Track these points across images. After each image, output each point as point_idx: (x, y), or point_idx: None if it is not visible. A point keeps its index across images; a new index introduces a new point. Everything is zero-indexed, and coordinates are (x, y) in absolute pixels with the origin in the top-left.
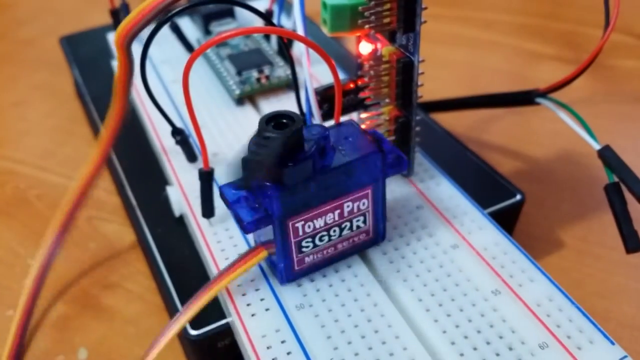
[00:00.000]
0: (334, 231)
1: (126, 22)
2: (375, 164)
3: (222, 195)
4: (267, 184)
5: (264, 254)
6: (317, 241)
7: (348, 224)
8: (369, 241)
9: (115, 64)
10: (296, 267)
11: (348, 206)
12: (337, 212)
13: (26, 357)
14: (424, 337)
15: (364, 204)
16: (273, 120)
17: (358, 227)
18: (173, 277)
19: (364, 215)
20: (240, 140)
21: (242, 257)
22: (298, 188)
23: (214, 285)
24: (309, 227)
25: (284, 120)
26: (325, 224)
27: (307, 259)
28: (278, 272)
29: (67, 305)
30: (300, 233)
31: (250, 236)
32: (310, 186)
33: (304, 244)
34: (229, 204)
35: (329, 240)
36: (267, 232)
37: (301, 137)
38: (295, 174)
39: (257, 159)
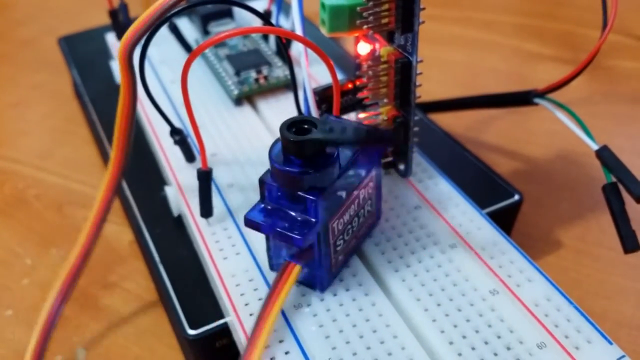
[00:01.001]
0: (355, 222)
1: (126, 36)
2: (374, 147)
3: (252, 224)
4: (301, 193)
5: (298, 268)
6: (345, 236)
7: (362, 211)
8: (373, 223)
9: (114, 64)
10: (333, 269)
11: (362, 194)
12: (356, 202)
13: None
14: (422, 337)
15: (371, 187)
16: (293, 127)
17: (368, 211)
18: (171, 277)
19: (371, 199)
20: (238, 140)
21: (279, 280)
22: (331, 189)
23: (265, 318)
24: (340, 224)
25: (305, 126)
26: (350, 217)
27: (339, 258)
28: (318, 280)
29: (66, 305)
30: (336, 232)
31: (250, 236)
32: (339, 184)
33: (337, 242)
34: (268, 229)
35: (352, 232)
36: (290, 246)
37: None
38: (328, 176)
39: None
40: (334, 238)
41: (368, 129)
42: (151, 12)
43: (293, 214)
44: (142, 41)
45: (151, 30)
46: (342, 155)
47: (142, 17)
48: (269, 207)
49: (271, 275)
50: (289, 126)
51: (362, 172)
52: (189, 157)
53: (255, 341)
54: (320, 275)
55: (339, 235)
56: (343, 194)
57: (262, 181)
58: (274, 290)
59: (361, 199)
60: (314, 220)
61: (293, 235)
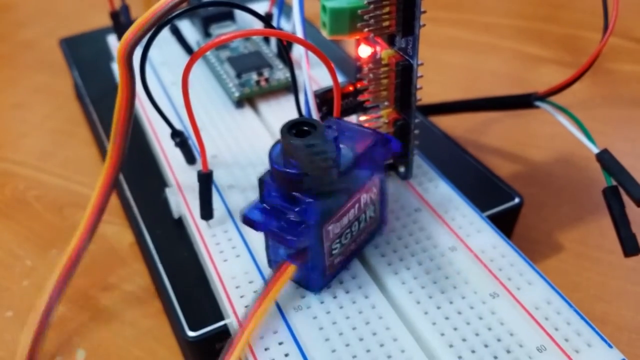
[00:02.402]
0: (355, 226)
1: (126, 36)
2: (380, 151)
3: (249, 222)
4: (297, 194)
5: (292, 268)
6: (343, 240)
7: (363, 215)
8: (376, 229)
9: (115, 66)
10: (328, 272)
11: (364, 198)
12: (356, 206)
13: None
14: (422, 340)
15: (374, 193)
16: (294, 128)
17: (370, 216)
18: (171, 279)
19: (374, 204)
20: (239, 142)
21: (273, 278)
22: (329, 191)
23: (253, 314)
24: (337, 227)
25: (306, 128)
26: (349, 221)
27: (336, 261)
28: (311, 282)
29: (65, 306)
30: (332, 236)
31: (250, 238)
32: (338, 187)
33: (334, 245)
34: (264, 227)
35: (351, 236)
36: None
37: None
38: (325, 178)
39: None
40: (329, 241)
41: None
42: (152, 13)
43: (289, 214)
44: (144, 43)
45: (153, 32)
46: (343, 158)
47: (142, 18)
48: (267, 206)
49: (269, 273)
50: (290, 128)
51: (363, 176)
52: (190, 159)
53: (242, 334)
54: (314, 277)
55: (336, 238)
56: (342, 197)
57: (261, 181)
58: (268, 287)
59: (362, 204)
60: (309, 222)
61: (287, 235)
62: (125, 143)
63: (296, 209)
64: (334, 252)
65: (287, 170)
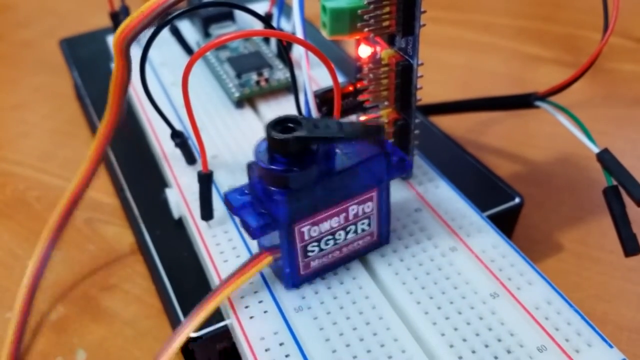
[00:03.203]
0: (339, 235)
1: (125, 25)
2: (380, 166)
3: (227, 202)
4: (273, 188)
5: (268, 259)
6: (322, 245)
7: (353, 227)
8: (373, 244)
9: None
10: (302, 272)
11: (353, 209)
12: (342, 215)
13: (25, 359)
14: (422, 340)
15: (368, 207)
16: (279, 125)
17: (363, 230)
18: (172, 279)
19: (368, 218)
20: (239, 142)
21: (247, 264)
22: (304, 192)
23: (218, 293)
24: (315, 231)
25: (291, 125)
26: (331, 227)
27: (312, 264)
28: (284, 277)
29: (65, 307)
30: (306, 237)
31: (251, 240)
32: (316, 190)
33: (309, 248)
34: (235, 210)
35: (335, 244)
36: (272, 237)
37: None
38: (301, 178)
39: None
40: (303, 242)
41: (354, 123)
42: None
43: (260, 206)
44: (143, 43)
45: (153, 32)
46: (336, 163)
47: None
48: (249, 193)
49: (272, 279)
50: (275, 125)
51: (358, 188)
52: (190, 159)
53: (195, 315)
54: (286, 273)
55: (312, 241)
56: (322, 201)
57: (249, 166)
58: (238, 270)
59: (352, 214)
60: (275, 217)
61: (251, 224)
62: (121, 111)
63: (264, 201)
64: (309, 254)
65: (259, 162)
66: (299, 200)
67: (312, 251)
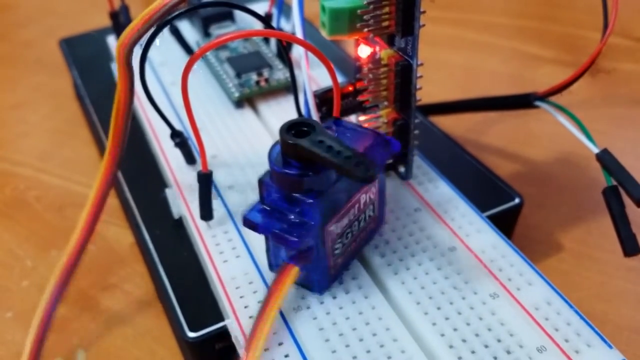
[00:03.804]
0: (355, 226)
1: (125, 35)
2: (379, 152)
3: (249, 224)
4: (298, 195)
5: (296, 270)
6: (344, 240)
7: (363, 215)
8: (375, 228)
9: (114, 66)
10: (331, 273)
11: (363, 198)
12: (356, 206)
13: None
14: (422, 340)
15: (373, 193)
16: (293, 129)
17: (369, 216)
18: (171, 279)
19: (373, 203)
20: (239, 142)
21: (277, 281)
22: (329, 192)
23: (264, 319)
24: (339, 227)
25: (305, 128)
26: (349, 220)
27: (338, 261)
28: (315, 283)
29: (65, 306)
30: (334, 236)
31: (250, 239)
32: (337, 187)
33: (336, 246)
34: (263, 229)
35: (352, 236)
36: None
37: None
38: (326, 179)
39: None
40: (332, 241)
41: (358, 161)
42: (151, 11)
43: (290, 215)
44: (143, 43)
45: (153, 32)
46: None
47: (141, 16)
48: (268, 208)
49: (271, 277)
50: (289, 128)
51: None
52: (190, 159)
53: (253, 343)
54: (318, 278)
55: (338, 238)
56: (342, 197)
57: (261, 182)
58: (272, 291)
59: (362, 203)
60: (310, 222)
61: (289, 237)
62: (123, 140)
63: (297, 210)
64: (336, 252)
65: (286, 171)
66: (327, 201)
67: (338, 248)
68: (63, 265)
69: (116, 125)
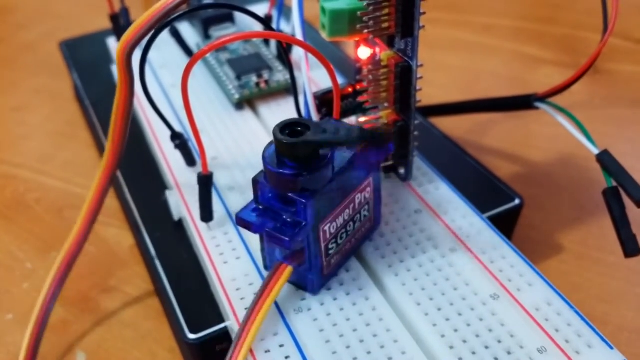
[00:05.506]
0: (350, 226)
1: (126, 37)
2: (375, 152)
3: (242, 223)
4: (292, 195)
5: (289, 269)
6: (339, 240)
7: (358, 215)
8: (371, 228)
9: (114, 68)
10: (325, 272)
11: (358, 198)
12: (351, 206)
13: None
14: (423, 341)
15: (368, 192)
16: (287, 129)
17: (365, 216)
18: (172, 281)
19: (368, 204)
20: (239, 144)
21: (269, 280)
22: (324, 191)
23: (254, 316)
24: (333, 227)
25: (299, 128)
26: (344, 221)
27: (332, 261)
28: (309, 283)
29: (65, 308)
30: (328, 236)
31: (251, 240)
32: (332, 186)
33: (330, 246)
34: (256, 228)
35: (347, 236)
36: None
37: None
38: (320, 178)
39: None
40: (325, 241)
41: (361, 129)
42: (152, 14)
43: (284, 215)
44: (143, 45)
45: (152, 34)
46: (337, 158)
47: (142, 19)
48: (261, 207)
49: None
50: (283, 128)
51: (359, 176)
52: (190, 161)
53: (242, 339)
54: (311, 278)
55: (332, 238)
56: (337, 197)
57: (255, 181)
58: (264, 289)
59: (357, 204)
60: (303, 222)
61: (282, 236)
62: (123, 142)
63: (292, 210)
64: (330, 252)
65: (280, 170)
66: (321, 200)
67: (332, 248)
68: (60, 263)
69: (116, 127)
